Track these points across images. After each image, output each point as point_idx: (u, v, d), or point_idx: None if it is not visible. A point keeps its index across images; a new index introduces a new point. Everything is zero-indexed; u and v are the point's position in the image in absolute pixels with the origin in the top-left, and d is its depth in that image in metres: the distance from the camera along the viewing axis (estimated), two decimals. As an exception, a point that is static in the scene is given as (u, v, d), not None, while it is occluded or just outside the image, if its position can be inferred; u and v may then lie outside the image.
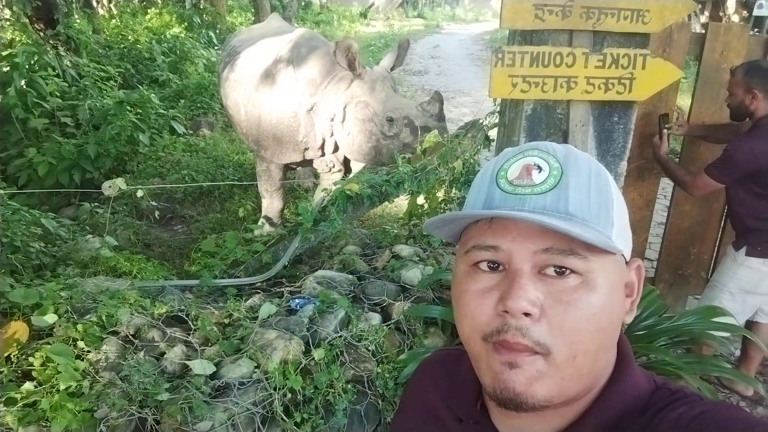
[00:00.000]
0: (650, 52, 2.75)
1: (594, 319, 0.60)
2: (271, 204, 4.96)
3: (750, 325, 3.21)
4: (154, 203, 4.57)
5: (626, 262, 0.68)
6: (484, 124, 3.34)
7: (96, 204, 4.85)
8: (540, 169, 0.64)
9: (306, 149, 4.33)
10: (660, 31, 2.84)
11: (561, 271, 0.60)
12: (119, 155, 6.29)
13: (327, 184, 4.24)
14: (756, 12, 7.59)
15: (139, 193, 3.37)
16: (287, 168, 4.93)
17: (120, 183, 2.97)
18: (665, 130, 3.15)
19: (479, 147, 3.30)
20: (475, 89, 11.89)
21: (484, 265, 0.64)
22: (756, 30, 8.15)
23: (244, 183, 5.76)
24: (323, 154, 4.35)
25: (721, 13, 12.23)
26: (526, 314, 0.59)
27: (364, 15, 24.81)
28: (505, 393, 0.60)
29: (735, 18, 11.33)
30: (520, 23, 2.70)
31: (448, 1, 37.83)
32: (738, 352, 3.43)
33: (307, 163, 4.64)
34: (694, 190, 2.93)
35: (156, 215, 4.76)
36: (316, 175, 5.67)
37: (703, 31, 3.37)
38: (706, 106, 3.39)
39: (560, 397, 0.61)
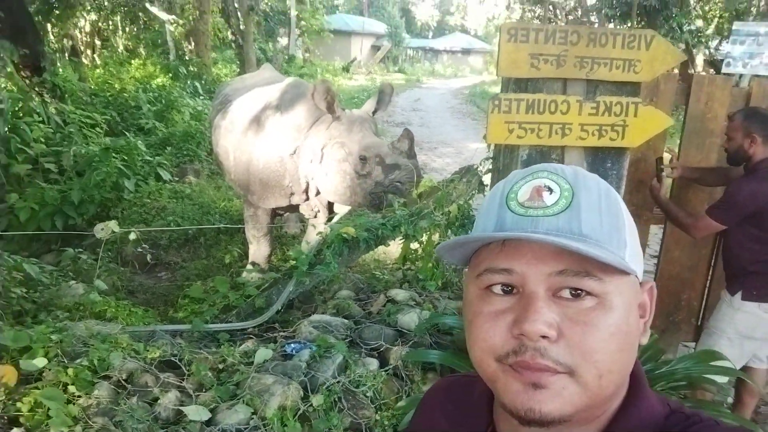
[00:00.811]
0: (641, 100, 2.84)
1: (613, 339, 0.59)
2: (259, 250, 4.92)
3: (744, 370, 3.21)
4: (145, 246, 4.50)
5: (639, 283, 0.67)
6: (478, 169, 3.38)
7: (80, 250, 4.76)
8: (551, 190, 0.63)
9: (292, 194, 4.36)
10: (650, 81, 2.93)
11: (577, 294, 0.60)
12: (103, 201, 6.23)
13: (313, 231, 4.27)
14: (724, 69, 7.92)
15: (132, 236, 3.31)
16: (274, 213, 4.92)
17: (113, 225, 2.93)
18: (663, 173, 3.22)
19: (474, 192, 3.33)
20: (457, 140, 12.13)
21: (497, 288, 0.63)
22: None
23: (230, 227, 5.71)
24: (308, 198, 4.37)
25: (690, 71, 12.74)
26: (544, 337, 0.58)
27: (346, 69, 25.38)
28: (530, 414, 0.59)
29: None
30: (517, 72, 2.77)
31: (428, 57, 38.94)
32: (729, 399, 3.41)
33: (294, 208, 4.65)
34: (696, 231, 2.97)
35: (148, 259, 4.69)
36: (303, 221, 5.67)
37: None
38: (692, 155, 3.47)
39: (584, 413, 0.61)
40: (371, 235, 3.17)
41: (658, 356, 2.77)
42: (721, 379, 2.70)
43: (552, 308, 0.59)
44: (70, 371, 2.16)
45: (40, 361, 2.18)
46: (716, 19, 17.55)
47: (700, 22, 17.14)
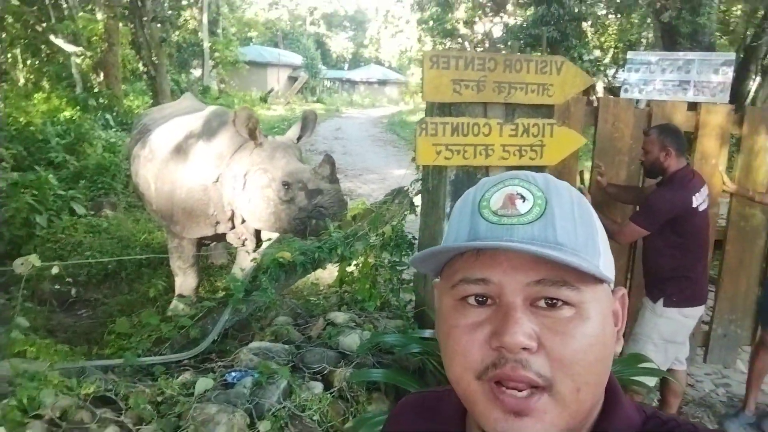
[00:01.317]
0: (556, 121, 3.05)
1: (591, 349, 0.58)
2: (185, 281, 4.77)
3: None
4: (69, 281, 4.27)
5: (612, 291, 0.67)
6: (409, 191, 3.49)
7: (-11, 290, 4.46)
8: (523, 198, 0.62)
9: (217, 222, 4.28)
10: (562, 103, 3.15)
11: (553, 303, 0.59)
12: (13, 238, 5.87)
13: (245, 257, 4.23)
14: (622, 95, 8.57)
15: (54, 270, 3.14)
16: (200, 244, 4.80)
17: (33, 260, 2.78)
18: (583, 185, 3.44)
19: (406, 212, 3.42)
20: (380, 167, 12.34)
21: (472, 300, 0.62)
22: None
23: (154, 257, 5.51)
24: (233, 226, 4.31)
25: (592, 97, 13.62)
26: (524, 348, 0.57)
27: (264, 99, 25.27)
28: None
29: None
30: (440, 97, 2.92)
31: (345, 87, 39.47)
32: (654, 402, 3.63)
33: (220, 237, 4.57)
34: (622, 237, 3.19)
35: (72, 293, 4.45)
36: (230, 251, 5.56)
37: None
38: (604, 172, 3.73)
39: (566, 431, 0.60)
40: (308, 258, 3.18)
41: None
42: (650, 382, 2.88)
43: (530, 318, 0.58)
44: (-4, 413, 2.03)
45: (-38, 405, 2.03)
46: (611, 50, 18.95)
47: (597, 52, 18.46)
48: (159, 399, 2.43)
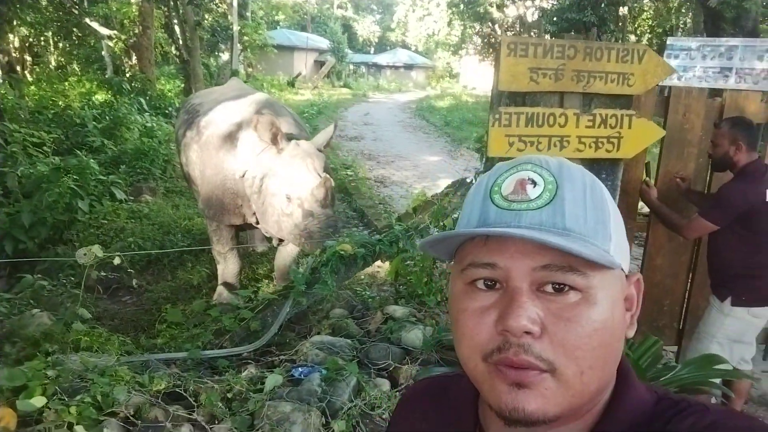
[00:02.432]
0: (635, 112, 2.90)
1: (596, 334, 0.58)
2: (227, 267, 4.75)
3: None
4: (127, 268, 4.27)
5: (626, 276, 0.66)
6: (471, 182, 3.37)
7: (38, 276, 4.46)
8: (534, 183, 0.62)
9: (244, 214, 4.29)
10: (643, 93, 3.00)
11: (560, 288, 0.59)
12: (56, 223, 5.89)
13: (281, 250, 4.25)
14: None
15: (116, 261, 3.11)
16: (238, 229, 4.78)
17: (96, 250, 2.74)
18: (648, 178, 3.30)
19: (467, 205, 3.32)
20: (412, 153, 12.20)
21: (480, 284, 0.62)
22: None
23: (202, 248, 5.48)
24: (258, 221, 4.30)
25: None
26: (527, 333, 0.58)
27: (291, 84, 25.17)
28: (515, 414, 0.58)
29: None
30: (516, 86, 2.79)
31: (371, 72, 39.19)
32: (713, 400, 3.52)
33: (253, 226, 4.55)
34: (689, 232, 3.06)
35: (134, 283, 4.50)
36: (269, 239, 5.54)
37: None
38: (672, 164, 3.58)
39: (569, 413, 0.60)
40: (368, 251, 3.10)
41: (657, 361, 2.82)
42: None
43: (535, 303, 0.59)
44: (72, 409, 1.99)
45: (38, 401, 1.99)
46: (646, 35, 18.49)
47: (632, 38, 18.01)
48: (228, 395, 2.37)
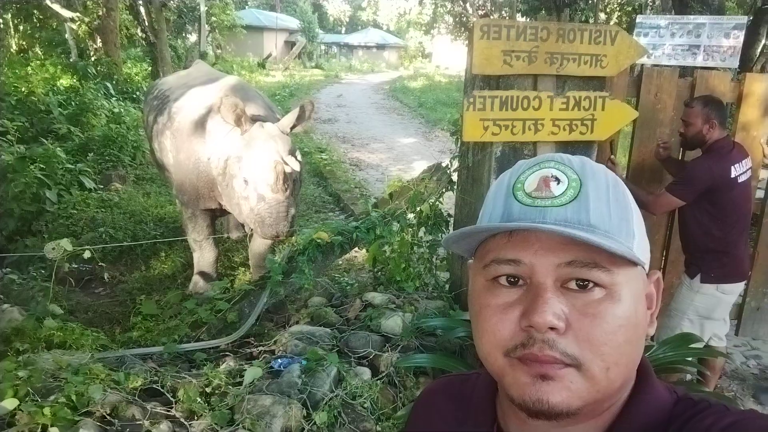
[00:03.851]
0: (608, 94, 2.91)
1: (621, 330, 0.59)
2: (203, 256, 4.67)
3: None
4: (101, 265, 4.19)
5: (646, 274, 0.67)
6: (447, 167, 3.36)
7: (7, 270, 4.35)
8: (558, 180, 0.63)
9: (218, 198, 4.22)
10: (617, 75, 3.00)
11: (584, 285, 0.59)
12: (23, 215, 5.73)
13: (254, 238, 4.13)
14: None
15: (87, 254, 3.03)
16: (213, 215, 4.71)
17: (65, 244, 2.66)
18: (613, 156, 3.33)
19: (443, 189, 3.30)
20: (386, 135, 12.15)
21: (503, 280, 0.63)
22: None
23: (169, 234, 5.40)
24: None
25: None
26: (552, 328, 0.58)
27: (262, 65, 24.80)
28: (538, 405, 0.58)
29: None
30: (491, 69, 2.77)
31: (343, 52, 38.79)
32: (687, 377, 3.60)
33: (228, 211, 4.50)
34: (656, 208, 3.09)
35: (105, 277, 4.38)
36: (243, 226, 5.48)
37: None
38: (644, 144, 3.62)
39: (592, 408, 0.61)
40: (345, 238, 3.07)
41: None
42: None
43: (560, 299, 0.59)
44: (46, 410, 1.94)
45: (10, 402, 1.94)
46: (616, 13, 18.58)
47: (602, 16, 18.07)
48: (207, 390, 2.35)
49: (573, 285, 0.59)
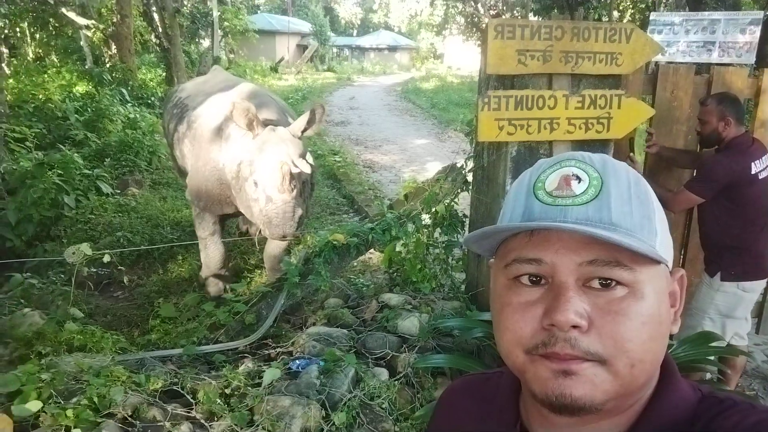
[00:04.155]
0: (624, 92, 2.89)
1: (644, 328, 0.58)
2: (208, 254, 4.70)
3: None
4: (121, 269, 4.26)
5: (669, 272, 0.66)
6: (462, 167, 3.36)
7: (28, 274, 4.40)
8: (579, 179, 0.63)
9: (234, 203, 4.28)
10: (632, 72, 2.98)
11: (606, 283, 0.59)
12: (42, 220, 5.81)
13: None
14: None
15: (106, 258, 3.07)
16: (225, 216, 4.78)
17: (85, 248, 2.70)
18: (632, 153, 3.31)
19: (459, 190, 3.30)
20: (399, 137, 12.15)
21: (525, 279, 0.62)
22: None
23: (193, 242, 5.43)
24: None
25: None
26: (575, 327, 0.57)
27: (275, 69, 24.93)
28: (561, 399, 0.58)
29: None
30: (505, 68, 2.76)
31: (355, 55, 38.87)
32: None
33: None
34: (675, 205, 3.06)
35: (125, 280, 4.46)
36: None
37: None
38: (661, 142, 3.58)
39: (615, 403, 0.60)
40: (361, 240, 3.08)
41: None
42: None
43: (582, 298, 0.59)
44: (69, 412, 1.97)
45: (34, 405, 1.97)
46: (629, 11, 18.44)
47: (615, 14, 17.95)
48: (226, 391, 2.36)
49: (595, 284, 0.59)
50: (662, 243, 0.62)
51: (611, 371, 0.58)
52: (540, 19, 15.77)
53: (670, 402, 0.64)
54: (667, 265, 0.63)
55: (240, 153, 3.85)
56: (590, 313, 0.58)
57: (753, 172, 2.94)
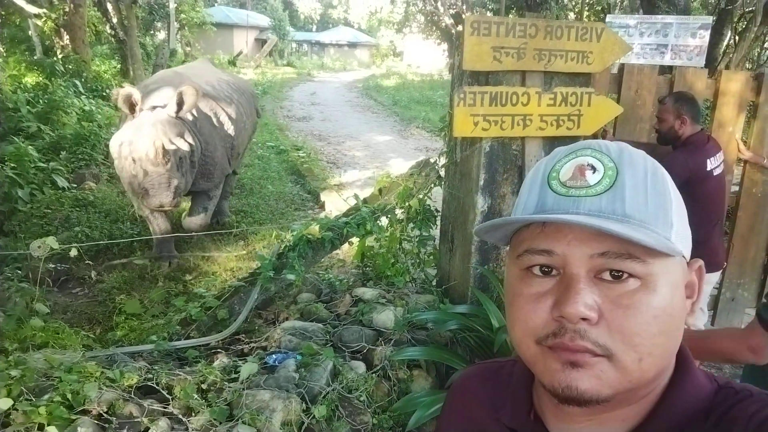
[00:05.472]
0: (594, 90, 2.96)
1: (656, 321, 0.58)
2: (156, 223, 4.96)
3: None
4: (88, 262, 4.34)
5: (687, 263, 0.66)
6: (435, 162, 3.38)
7: (-21, 271, 4.23)
8: (594, 169, 0.62)
9: None
10: (602, 71, 3.06)
11: (618, 276, 0.58)
12: (-5, 215, 5.58)
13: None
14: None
15: (73, 252, 2.96)
16: None
17: (51, 242, 2.61)
18: None
19: (432, 185, 3.33)
20: (362, 133, 12.14)
21: (536, 270, 0.62)
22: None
23: (152, 236, 5.31)
24: None
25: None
26: (584, 319, 0.57)
27: (233, 63, 24.50)
28: (567, 391, 0.58)
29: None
30: (481, 65, 2.80)
31: (314, 50, 38.59)
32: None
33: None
34: None
35: (93, 275, 4.56)
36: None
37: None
38: (625, 140, 3.69)
39: (624, 396, 0.60)
40: (335, 234, 3.07)
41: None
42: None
43: (593, 290, 0.58)
44: (41, 409, 1.91)
45: (4, 402, 1.90)
46: (585, 13, 18.86)
47: (571, 15, 18.34)
48: (203, 386, 2.33)
49: (607, 276, 0.59)
50: (678, 234, 0.61)
51: (618, 366, 0.57)
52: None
53: (685, 392, 0.64)
54: (684, 256, 0.63)
55: (122, 135, 4.19)
56: (601, 305, 0.58)
57: (708, 168, 3.06)
